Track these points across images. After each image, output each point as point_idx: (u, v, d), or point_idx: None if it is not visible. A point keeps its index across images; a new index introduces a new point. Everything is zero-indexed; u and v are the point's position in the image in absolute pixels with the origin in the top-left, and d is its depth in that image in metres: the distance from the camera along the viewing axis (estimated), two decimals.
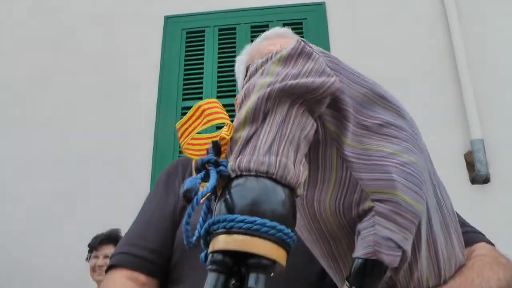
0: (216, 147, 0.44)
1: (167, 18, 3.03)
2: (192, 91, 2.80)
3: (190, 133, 0.48)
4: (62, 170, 2.77)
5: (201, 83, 2.80)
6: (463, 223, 0.72)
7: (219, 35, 2.92)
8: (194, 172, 0.43)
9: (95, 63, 3.03)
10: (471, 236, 0.71)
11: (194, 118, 0.49)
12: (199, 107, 0.49)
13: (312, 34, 2.81)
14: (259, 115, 0.44)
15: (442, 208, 0.55)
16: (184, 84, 2.82)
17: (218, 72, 2.80)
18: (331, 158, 0.49)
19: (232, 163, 0.42)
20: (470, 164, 2.46)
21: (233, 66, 3.13)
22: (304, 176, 0.43)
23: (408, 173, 0.47)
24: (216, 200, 0.41)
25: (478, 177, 2.43)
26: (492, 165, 2.46)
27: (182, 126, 0.49)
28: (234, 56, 2.77)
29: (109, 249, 2.35)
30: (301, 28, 2.85)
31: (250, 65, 0.51)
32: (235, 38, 2.88)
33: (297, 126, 0.44)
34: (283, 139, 0.42)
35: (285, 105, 0.45)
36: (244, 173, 0.40)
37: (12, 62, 3.14)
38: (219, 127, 0.48)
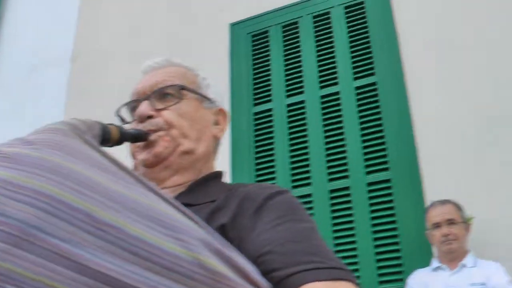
0: None
1: (232, 25, 3.14)
2: (262, 94, 2.89)
3: None
4: None
5: (269, 85, 2.89)
6: (296, 261, 0.54)
7: (283, 32, 2.98)
8: None
9: None
10: (295, 279, 0.52)
11: None
12: None
13: (375, 13, 2.76)
14: None
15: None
16: (254, 89, 2.93)
17: (285, 71, 2.87)
18: None
19: None
20: None
21: (300, 61, 3.11)
22: None
23: None
24: None
25: None
26: None
27: None
28: (299, 52, 2.80)
29: None
30: (363, 8, 2.79)
31: None
32: (298, 32, 2.93)
33: None
34: None
35: None
36: None
37: None
38: None
